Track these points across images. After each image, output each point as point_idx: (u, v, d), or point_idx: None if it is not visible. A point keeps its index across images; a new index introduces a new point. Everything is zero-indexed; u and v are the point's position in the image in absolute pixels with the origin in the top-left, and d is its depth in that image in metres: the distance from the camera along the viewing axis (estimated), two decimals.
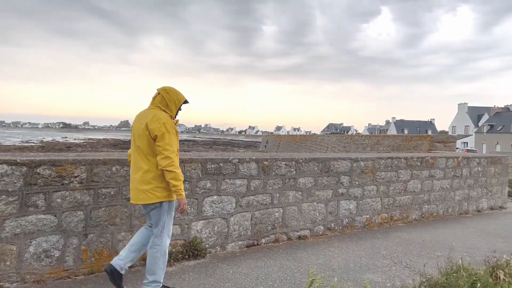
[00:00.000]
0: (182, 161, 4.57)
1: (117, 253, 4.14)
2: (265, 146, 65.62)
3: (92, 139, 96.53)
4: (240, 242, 5.06)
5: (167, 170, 3.25)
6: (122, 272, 3.46)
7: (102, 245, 4.09)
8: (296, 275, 4.20)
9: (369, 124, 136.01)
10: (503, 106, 77.53)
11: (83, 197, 3.98)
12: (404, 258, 4.91)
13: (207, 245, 4.74)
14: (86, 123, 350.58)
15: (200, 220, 4.72)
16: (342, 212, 6.17)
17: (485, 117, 74.10)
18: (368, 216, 6.52)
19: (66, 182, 3.90)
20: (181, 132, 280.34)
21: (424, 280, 3.63)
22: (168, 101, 3.50)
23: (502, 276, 4.10)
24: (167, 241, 3.51)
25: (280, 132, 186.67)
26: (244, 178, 5.09)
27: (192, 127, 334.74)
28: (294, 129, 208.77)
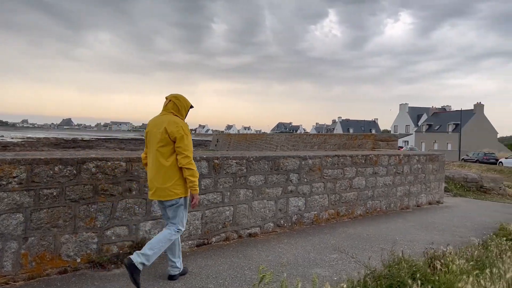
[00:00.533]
0: (130, 160, 4.46)
1: (60, 256, 3.97)
2: (216, 145, 65.38)
3: (32, 138, 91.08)
4: (190, 242, 5.02)
5: (186, 168, 3.67)
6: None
7: (43, 248, 3.89)
8: (247, 272, 4.24)
9: (316, 123, 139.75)
10: (440, 107, 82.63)
11: (22, 198, 3.77)
12: (350, 252, 5.10)
13: None
14: (24, 121, 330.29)
15: (149, 220, 4.62)
16: (291, 209, 6.30)
17: (424, 117, 78.65)
18: (316, 212, 6.70)
19: (4, 183, 3.67)
20: (128, 130, 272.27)
21: (368, 272, 3.79)
22: (180, 107, 3.90)
23: (439, 266, 4.39)
24: (181, 233, 3.89)
25: (231, 131, 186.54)
26: None
27: (140, 126, 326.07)
28: (245, 128, 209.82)
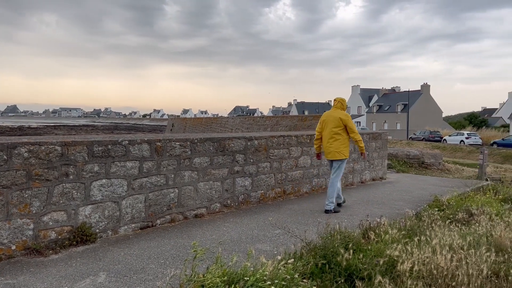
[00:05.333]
0: (65, 144, 4.35)
1: None
2: (171, 129, 64.35)
3: None
4: (133, 225, 5.00)
5: (359, 140, 6.47)
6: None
7: None
8: (189, 251, 4.27)
9: (273, 106, 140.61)
10: (390, 88, 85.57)
11: None
12: (292, 227, 5.27)
13: (97, 230, 4.60)
14: None
15: (88, 205, 4.55)
16: (238, 189, 6.40)
17: (375, 98, 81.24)
18: (262, 191, 6.85)
19: None
20: (78, 117, 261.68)
21: (304, 244, 3.97)
22: (344, 105, 6.73)
23: (372, 236, 4.66)
24: (339, 183, 6.59)
25: (187, 115, 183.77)
26: (136, 160, 5.01)
27: (91, 111, 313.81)
28: (202, 112, 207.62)
